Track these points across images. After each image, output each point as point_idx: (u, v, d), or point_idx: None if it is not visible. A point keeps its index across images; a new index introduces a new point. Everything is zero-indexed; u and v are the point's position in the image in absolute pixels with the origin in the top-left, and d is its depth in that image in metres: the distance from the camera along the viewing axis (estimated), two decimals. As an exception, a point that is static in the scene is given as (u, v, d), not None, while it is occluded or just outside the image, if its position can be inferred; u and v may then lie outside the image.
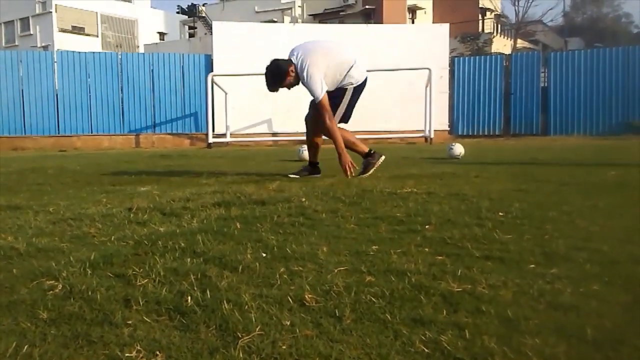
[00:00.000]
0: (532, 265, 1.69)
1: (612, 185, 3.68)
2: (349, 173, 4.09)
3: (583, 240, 1.99)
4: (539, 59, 15.67)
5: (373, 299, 1.39)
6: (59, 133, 13.95)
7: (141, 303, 1.38)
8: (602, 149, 8.48)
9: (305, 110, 4.42)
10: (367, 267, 1.67)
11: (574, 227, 2.24)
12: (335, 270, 1.64)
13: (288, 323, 1.25)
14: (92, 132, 14.16)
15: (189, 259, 1.77)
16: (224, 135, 13.44)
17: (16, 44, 37.42)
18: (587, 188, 3.49)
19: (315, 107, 4.14)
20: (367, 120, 15.27)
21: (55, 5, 37.07)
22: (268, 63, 4.15)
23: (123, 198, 3.22)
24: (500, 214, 2.50)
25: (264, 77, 4.13)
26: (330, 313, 1.31)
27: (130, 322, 1.28)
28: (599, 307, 1.33)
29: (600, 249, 1.86)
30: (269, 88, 4.21)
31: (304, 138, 4.65)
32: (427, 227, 2.25)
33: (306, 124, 4.46)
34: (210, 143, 12.54)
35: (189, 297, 1.40)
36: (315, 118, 4.22)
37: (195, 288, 1.47)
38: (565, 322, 1.25)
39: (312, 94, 4.07)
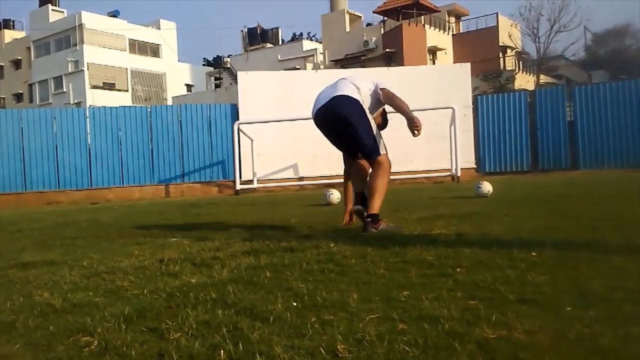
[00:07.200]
0: (569, 308, 1.64)
1: (647, 219, 3.58)
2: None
3: (620, 279, 1.93)
4: (564, 93, 15.59)
5: (407, 347, 1.37)
6: (91, 186, 14.31)
7: (175, 358, 1.38)
8: (635, 181, 8.28)
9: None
10: (399, 314, 1.65)
11: (610, 265, 2.19)
12: (367, 319, 1.62)
13: (321, 375, 1.24)
14: (123, 184, 14.49)
15: (220, 311, 1.78)
16: (251, 181, 13.60)
17: (50, 101, 39.13)
18: (621, 224, 3.40)
19: None
20: (392, 161, 15.42)
21: (87, 63, 38.86)
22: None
23: (154, 249, 3.27)
24: (533, 254, 2.45)
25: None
26: (363, 364, 1.30)
27: (164, 377, 1.28)
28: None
29: (638, 288, 1.80)
30: None
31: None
32: (458, 270, 2.22)
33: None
34: (238, 190, 12.69)
35: (222, 351, 1.40)
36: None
37: (228, 341, 1.47)
38: (607, 367, 1.21)
39: None
